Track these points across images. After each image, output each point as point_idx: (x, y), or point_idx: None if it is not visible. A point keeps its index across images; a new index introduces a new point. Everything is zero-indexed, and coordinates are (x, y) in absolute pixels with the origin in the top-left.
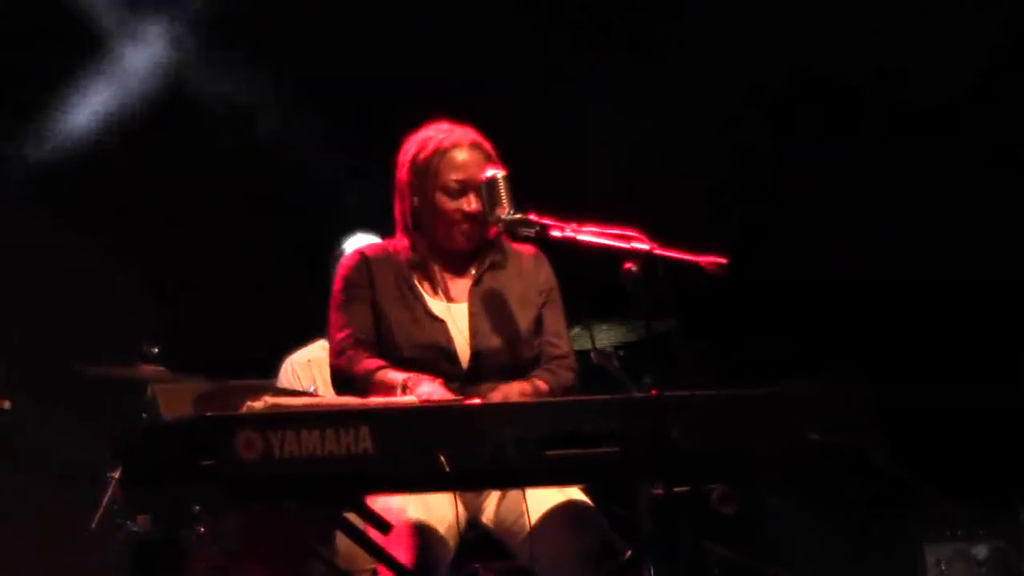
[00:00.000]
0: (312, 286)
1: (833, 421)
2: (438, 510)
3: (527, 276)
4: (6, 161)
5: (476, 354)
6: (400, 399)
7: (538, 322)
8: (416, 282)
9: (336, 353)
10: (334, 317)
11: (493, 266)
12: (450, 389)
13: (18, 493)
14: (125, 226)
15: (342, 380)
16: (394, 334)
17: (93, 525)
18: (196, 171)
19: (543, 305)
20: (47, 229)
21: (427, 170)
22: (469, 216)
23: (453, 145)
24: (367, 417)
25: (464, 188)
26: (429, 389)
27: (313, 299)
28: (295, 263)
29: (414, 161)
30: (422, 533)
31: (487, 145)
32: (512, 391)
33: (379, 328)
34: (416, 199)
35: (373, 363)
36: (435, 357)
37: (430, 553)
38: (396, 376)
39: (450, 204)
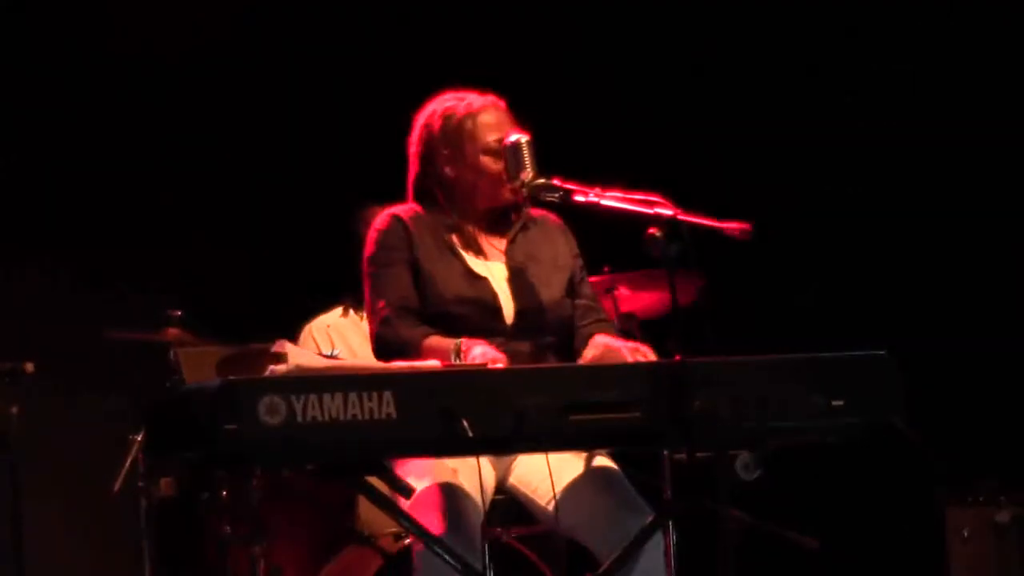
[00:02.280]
0: (334, 250)
1: (857, 389)
2: (467, 474)
3: (555, 241)
4: None
5: (520, 311)
6: (426, 364)
7: (569, 286)
8: (454, 241)
9: (379, 322)
10: (371, 284)
11: (524, 228)
12: (494, 346)
13: (40, 457)
14: (149, 187)
15: (388, 350)
16: (438, 291)
17: (115, 488)
18: (219, 131)
19: (575, 272)
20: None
21: (461, 136)
22: None
23: (482, 108)
24: (391, 382)
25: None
26: (483, 351)
27: (335, 263)
28: (318, 226)
29: (444, 130)
30: (452, 497)
31: (506, 107)
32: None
33: (421, 286)
34: (449, 168)
35: (419, 330)
36: (480, 313)
37: (460, 517)
38: (447, 341)
39: (495, 164)
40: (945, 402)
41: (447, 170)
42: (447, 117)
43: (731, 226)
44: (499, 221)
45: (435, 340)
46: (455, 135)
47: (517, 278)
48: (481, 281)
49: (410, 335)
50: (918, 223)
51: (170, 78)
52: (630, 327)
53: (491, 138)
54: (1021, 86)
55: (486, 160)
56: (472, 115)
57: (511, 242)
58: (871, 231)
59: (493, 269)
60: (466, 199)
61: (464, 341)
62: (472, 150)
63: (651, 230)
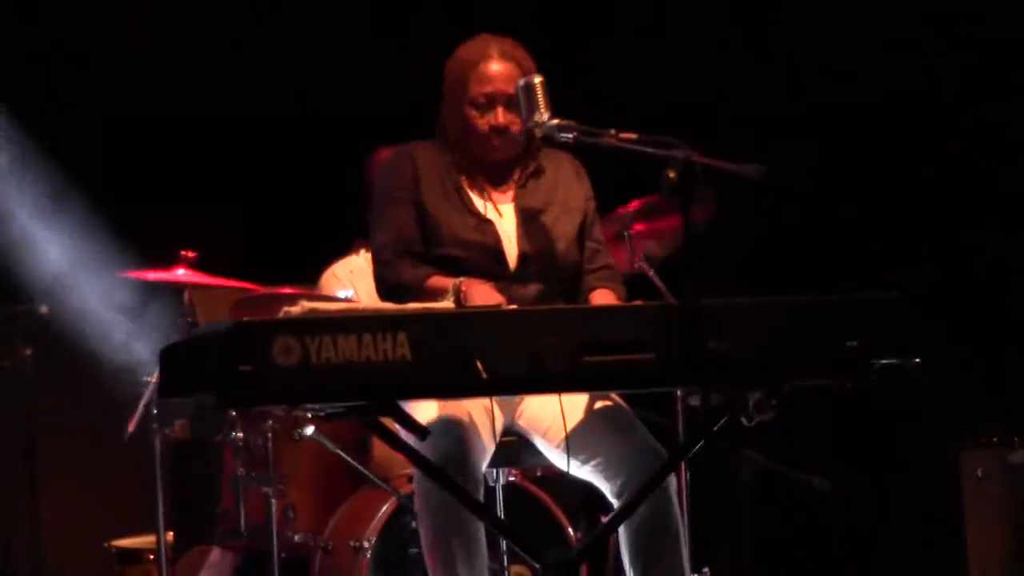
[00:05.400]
0: (351, 192)
1: (871, 331)
2: (475, 414)
3: (568, 184)
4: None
5: (523, 256)
6: (439, 304)
7: (580, 229)
8: (463, 183)
9: (380, 262)
10: (376, 219)
11: (536, 172)
12: (497, 290)
13: (53, 398)
14: (163, 131)
15: (388, 289)
16: (441, 232)
17: (130, 430)
18: (235, 74)
19: (587, 214)
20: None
21: (458, 84)
22: (497, 130)
23: (483, 57)
24: (404, 323)
25: (491, 101)
26: (484, 291)
27: (352, 205)
28: (335, 169)
29: (449, 75)
30: (460, 438)
31: (521, 54)
32: (610, 299)
33: (424, 226)
34: (453, 114)
35: (421, 271)
36: (483, 257)
37: (468, 457)
38: (447, 280)
39: (478, 119)
40: (959, 343)
41: (448, 115)
42: (454, 62)
43: (747, 168)
44: (506, 168)
45: (436, 280)
46: (454, 83)
47: (525, 223)
48: (486, 224)
49: (411, 276)
50: (929, 163)
51: (183, 24)
52: (647, 271)
53: (479, 90)
54: None
55: (471, 113)
56: (471, 63)
57: (521, 186)
58: (884, 170)
59: (501, 213)
60: (462, 148)
61: (464, 281)
62: (462, 101)
63: (666, 171)
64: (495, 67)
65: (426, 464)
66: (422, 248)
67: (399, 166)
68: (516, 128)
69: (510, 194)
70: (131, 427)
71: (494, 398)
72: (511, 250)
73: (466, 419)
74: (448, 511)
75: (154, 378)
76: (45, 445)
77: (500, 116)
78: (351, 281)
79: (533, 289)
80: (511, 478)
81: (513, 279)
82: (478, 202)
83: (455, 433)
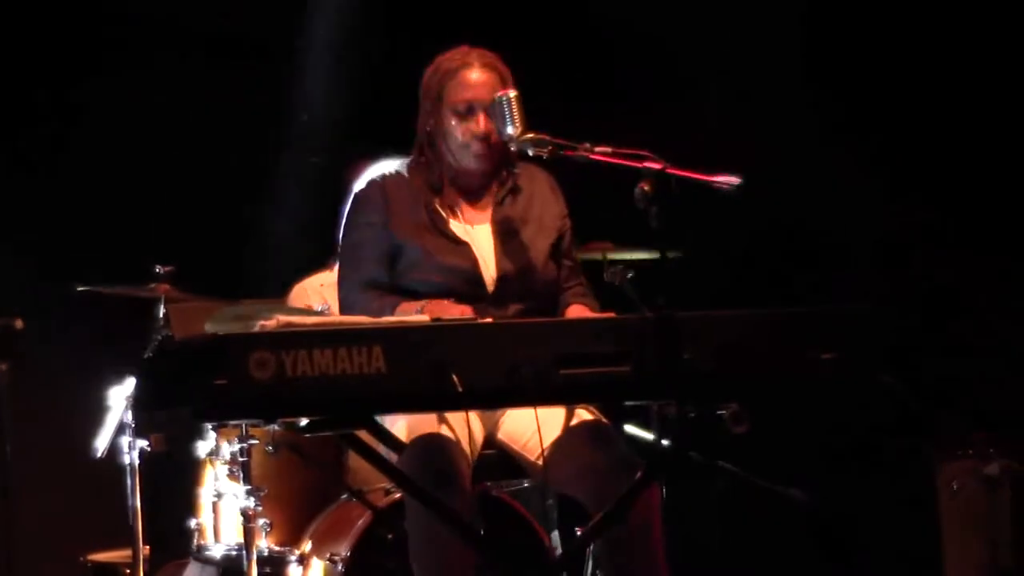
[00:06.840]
0: (327, 208)
1: (846, 342)
2: (456, 428)
3: (544, 201)
4: None
5: (501, 277)
6: (413, 317)
7: (555, 247)
8: (437, 206)
9: (345, 302)
10: (344, 252)
11: (512, 190)
12: (476, 312)
13: (30, 412)
14: (142, 145)
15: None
16: (416, 258)
17: (105, 444)
18: (211, 90)
19: (562, 232)
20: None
21: (438, 92)
22: (479, 137)
23: (463, 65)
24: (380, 336)
25: (472, 108)
26: (444, 305)
27: (328, 221)
28: (311, 185)
29: (428, 84)
30: (441, 451)
31: (502, 67)
32: (585, 313)
33: (400, 255)
34: (431, 122)
35: (388, 299)
36: (460, 281)
37: (450, 468)
38: (413, 305)
39: (459, 126)
40: (935, 355)
41: (427, 124)
42: (433, 72)
43: (721, 180)
44: (483, 183)
45: (404, 306)
46: (434, 91)
47: (501, 242)
48: (462, 247)
49: (378, 305)
50: (907, 173)
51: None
52: (620, 282)
53: (460, 97)
54: None
55: (451, 121)
56: (450, 72)
57: (498, 204)
58: (863, 183)
59: (477, 233)
60: (441, 158)
61: (428, 304)
62: (442, 109)
63: (640, 184)
64: (476, 75)
65: (402, 478)
66: (387, 280)
67: (368, 197)
68: (496, 137)
69: (487, 212)
70: (107, 441)
71: (473, 413)
72: (488, 272)
73: (449, 436)
74: (439, 536)
75: (130, 392)
76: (20, 459)
77: (481, 123)
78: (322, 295)
79: (512, 310)
80: (488, 491)
81: (491, 301)
82: (453, 223)
83: (439, 450)
